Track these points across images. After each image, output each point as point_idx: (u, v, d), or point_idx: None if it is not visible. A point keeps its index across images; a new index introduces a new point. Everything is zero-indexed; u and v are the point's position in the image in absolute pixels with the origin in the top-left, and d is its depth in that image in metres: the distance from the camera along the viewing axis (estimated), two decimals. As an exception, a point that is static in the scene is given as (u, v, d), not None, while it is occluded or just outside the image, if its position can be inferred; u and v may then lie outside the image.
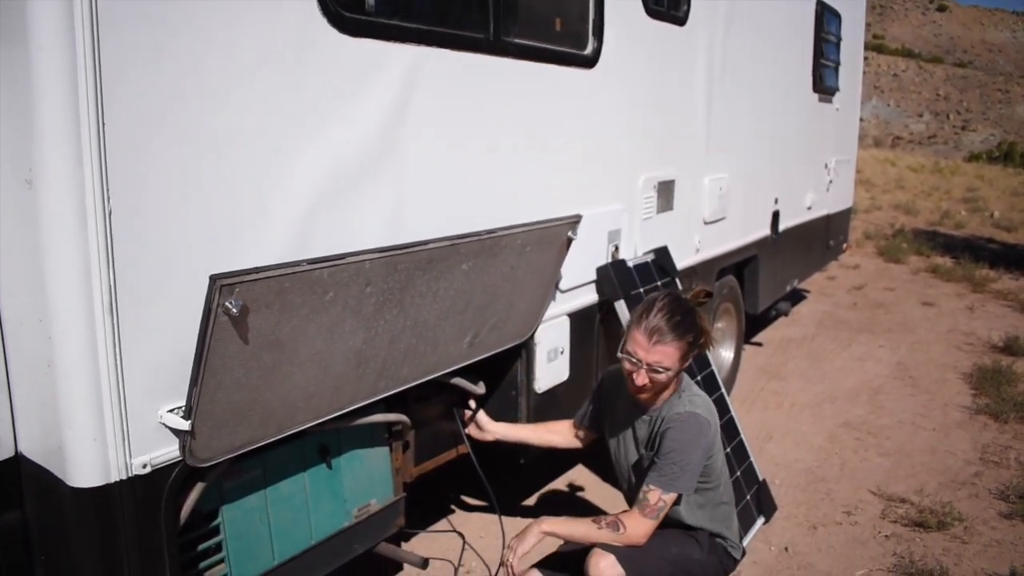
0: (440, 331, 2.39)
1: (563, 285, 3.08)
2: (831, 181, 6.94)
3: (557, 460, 4.19)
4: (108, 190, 1.60)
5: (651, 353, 2.32)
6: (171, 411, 1.80)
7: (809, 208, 6.43)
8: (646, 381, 2.35)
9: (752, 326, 6.54)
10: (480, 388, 2.91)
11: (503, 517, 3.08)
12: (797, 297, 8.30)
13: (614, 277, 3.32)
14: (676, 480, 2.35)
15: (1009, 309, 8.29)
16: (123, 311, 1.66)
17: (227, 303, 1.66)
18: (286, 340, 1.87)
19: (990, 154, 44.74)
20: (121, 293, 1.65)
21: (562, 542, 2.59)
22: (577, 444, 2.87)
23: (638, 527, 2.34)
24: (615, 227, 3.42)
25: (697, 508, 2.53)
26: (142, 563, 1.79)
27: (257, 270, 1.72)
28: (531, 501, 3.87)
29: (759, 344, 6.68)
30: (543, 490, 4.00)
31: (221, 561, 2.16)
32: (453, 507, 3.83)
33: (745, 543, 3.09)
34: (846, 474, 4.24)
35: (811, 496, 3.98)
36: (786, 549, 3.47)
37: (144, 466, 1.77)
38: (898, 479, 4.18)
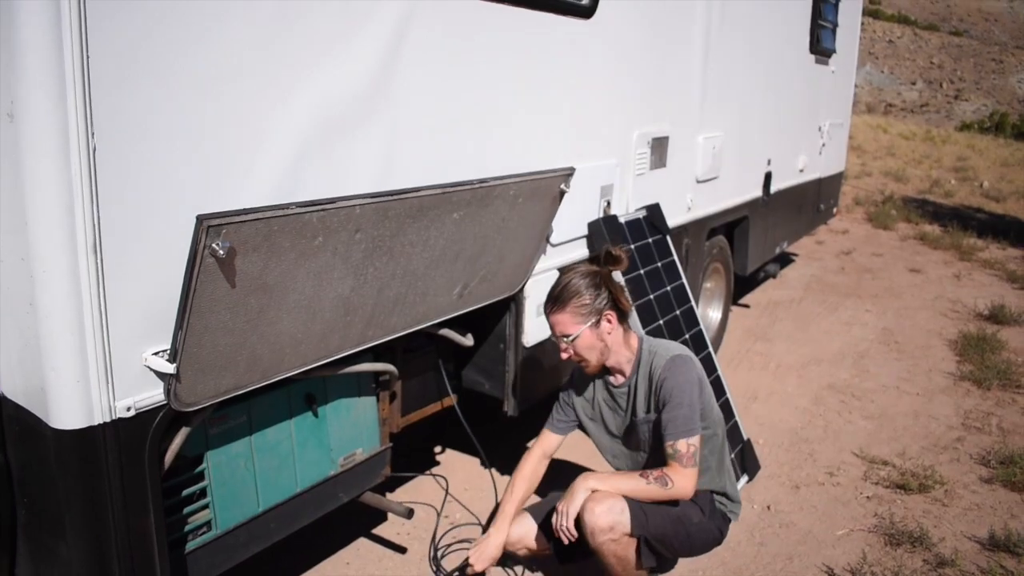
0: (430, 281, 2.36)
1: (554, 239, 3.05)
2: (824, 144, 6.90)
3: (542, 412, 4.21)
4: (92, 125, 1.55)
5: (555, 326, 2.46)
6: (156, 354, 1.77)
7: (801, 171, 6.40)
8: (570, 353, 2.46)
9: (740, 288, 6.55)
10: (468, 340, 2.89)
11: (491, 469, 3.10)
12: (785, 260, 8.32)
13: (605, 232, 3.30)
14: (692, 422, 2.40)
15: (995, 278, 8.32)
16: (107, 251, 1.62)
17: (214, 245, 1.63)
18: (274, 284, 1.84)
19: (981, 124, 44.70)
20: (105, 232, 1.61)
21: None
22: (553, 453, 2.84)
23: (684, 480, 2.38)
24: (608, 182, 3.39)
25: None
26: (126, 507, 1.78)
27: (245, 212, 1.68)
28: (517, 452, 3.88)
29: (746, 306, 6.70)
30: (529, 442, 4.01)
31: (206, 507, 2.16)
32: (439, 459, 3.84)
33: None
34: (829, 435, 4.28)
35: (794, 456, 4.01)
36: (768, 507, 3.50)
37: (128, 409, 1.74)
38: (881, 442, 4.22)
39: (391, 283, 2.21)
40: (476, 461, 3.80)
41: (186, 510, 2.10)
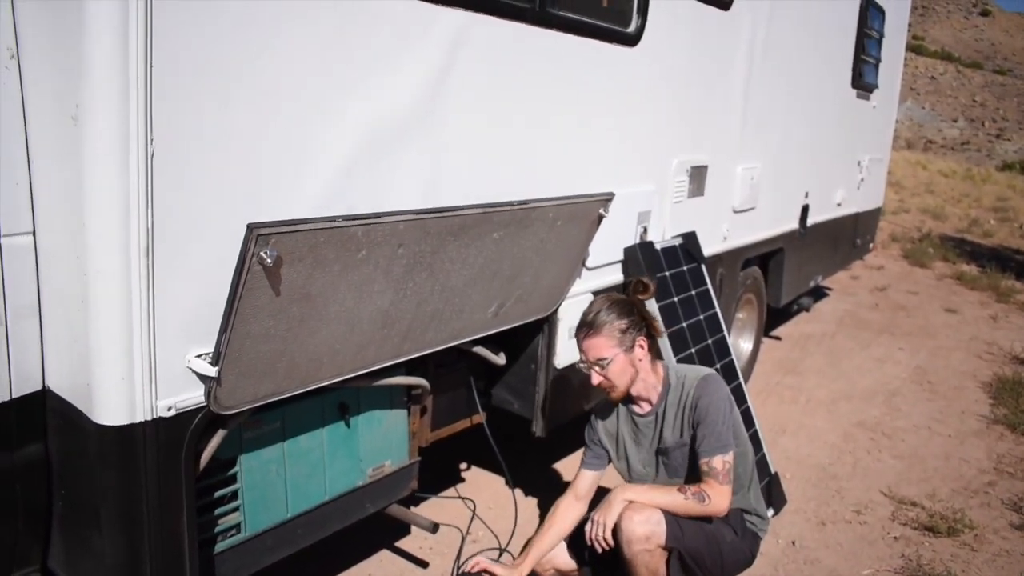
0: (467, 298, 2.39)
1: (590, 263, 3.07)
2: (863, 179, 6.86)
3: (570, 433, 4.21)
4: (152, 131, 1.60)
5: (588, 350, 2.45)
6: (199, 356, 1.81)
7: (839, 204, 6.36)
8: (600, 379, 2.46)
9: (772, 320, 6.50)
10: (501, 359, 2.92)
11: (515, 489, 3.10)
12: (819, 294, 8.24)
13: (641, 258, 3.31)
14: (726, 438, 2.43)
15: (1033, 322, 8.19)
16: (159, 254, 1.67)
17: (262, 253, 1.67)
18: (316, 294, 1.88)
19: (1023, 164, 44.07)
20: (158, 235, 1.66)
21: None
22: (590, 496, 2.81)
23: (720, 497, 2.40)
24: (646, 208, 3.40)
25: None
26: (160, 504, 1.82)
27: (294, 222, 1.73)
28: (543, 473, 3.89)
29: (778, 338, 6.65)
30: (555, 464, 4.02)
31: (236, 509, 2.19)
32: (464, 476, 3.85)
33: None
34: (858, 473, 4.23)
35: (821, 492, 3.97)
36: (793, 543, 3.46)
37: (169, 409, 1.78)
38: (910, 482, 4.16)
39: (429, 298, 2.24)
40: (501, 480, 3.80)
41: (217, 511, 2.13)
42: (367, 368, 2.23)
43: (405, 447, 2.72)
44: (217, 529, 2.14)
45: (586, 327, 2.45)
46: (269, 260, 1.68)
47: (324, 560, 3.05)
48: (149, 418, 1.75)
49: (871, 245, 7.93)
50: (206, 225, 1.75)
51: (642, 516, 2.37)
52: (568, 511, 2.69)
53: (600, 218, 2.77)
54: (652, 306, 3.28)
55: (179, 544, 1.89)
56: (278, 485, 2.29)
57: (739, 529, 2.58)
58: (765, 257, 5.22)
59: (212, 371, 1.77)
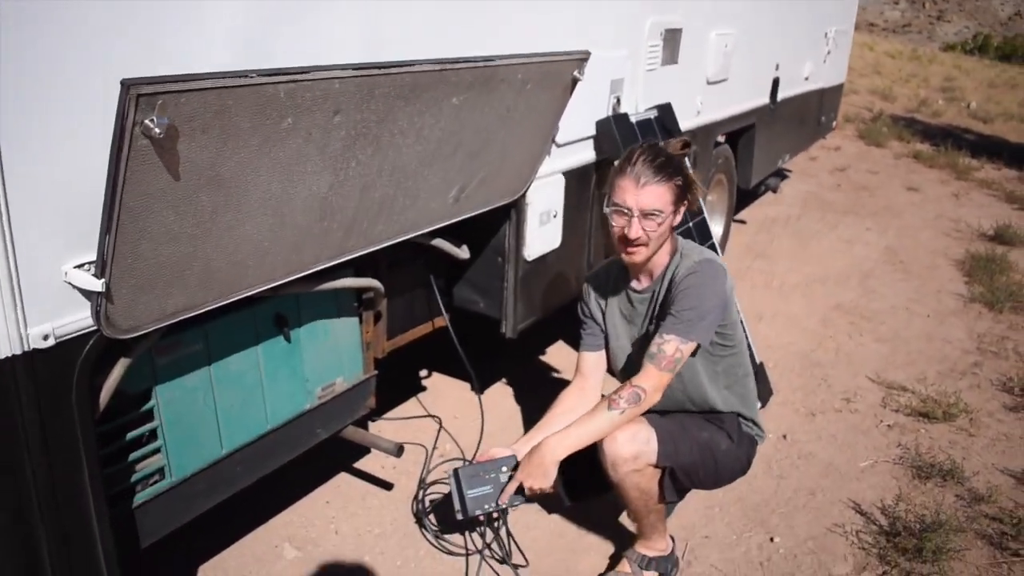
0: (422, 180, 1.97)
1: (560, 138, 2.65)
2: (829, 52, 6.46)
3: (543, 338, 3.90)
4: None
5: (641, 196, 2.02)
6: (79, 267, 1.38)
7: (807, 79, 5.98)
8: (640, 233, 2.04)
9: (736, 202, 6.20)
10: (464, 252, 2.51)
11: (482, 396, 2.79)
12: (780, 176, 7.95)
13: (616, 132, 2.90)
14: (694, 327, 2.05)
15: (994, 198, 8.05)
16: (4, 130, 1.21)
17: (147, 121, 1.22)
18: (230, 178, 1.44)
19: (964, 46, 44.07)
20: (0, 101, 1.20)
21: None
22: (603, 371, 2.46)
23: (655, 387, 2.06)
24: (618, 76, 2.98)
25: (722, 383, 2.27)
26: (49, 457, 1.41)
27: (188, 78, 1.27)
28: (513, 378, 3.57)
29: (743, 222, 6.36)
30: (526, 366, 3.70)
31: (157, 452, 1.80)
32: (425, 385, 3.51)
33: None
34: (841, 359, 4.00)
35: (807, 381, 3.74)
36: (784, 436, 3.23)
37: (45, 338, 1.36)
38: (896, 366, 3.95)
39: (377, 181, 1.81)
40: (465, 387, 3.48)
41: (132, 456, 1.74)
42: (305, 270, 1.82)
43: (359, 360, 2.34)
44: (135, 478, 1.76)
45: (643, 175, 2.02)
46: (158, 131, 1.23)
47: (273, 489, 2.70)
48: (18, 351, 1.33)
49: (834, 123, 7.61)
50: (69, 85, 1.29)
51: (626, 434, 2.06)
52: (578, 402, 2.33)
53: (574, 82, 2.33)
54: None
55: (81, 503, 1.50)
56: (207, 418, 1.89)
57: (735, 435, 2.30)
58: (735, 135, 4.85)
59: (97, 284, 1.35)
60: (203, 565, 2.42)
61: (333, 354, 2.24)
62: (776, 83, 5.15)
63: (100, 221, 1.31)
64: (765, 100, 5.04)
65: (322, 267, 1.88)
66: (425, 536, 2.56)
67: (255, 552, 2.49)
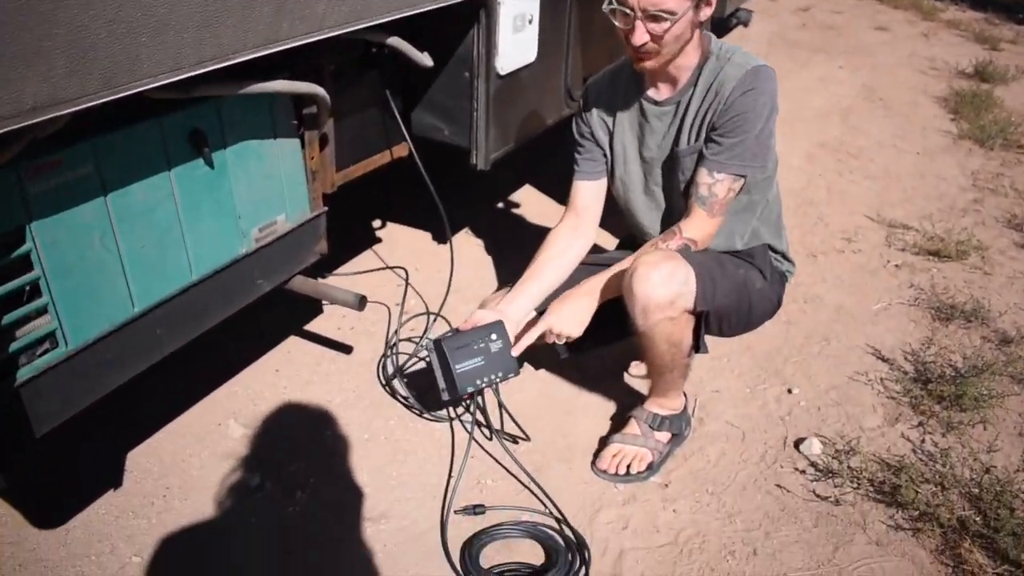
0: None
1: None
2: None
3: (519, 170, 3.48)
4: None
5: None
6: None
7: None
8: (645, 38, 1.63)
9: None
10: (427, 59, 2.00)
11: (450, 243, 2.37)
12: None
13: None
14: (749, 161, 1.73)
15: (963, 39, 7.66)
16: None
17: None
18: None
19: None
20: None
21: None
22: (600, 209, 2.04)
23: (707, 231, 1.81)
24: None
25: (757, 211, 1.94)
26: None
27: None
28: (476, 226, 3.14)
29: (711, 59, 5.88)
30: (489, 210, 3.29)
31: (44, 311, 1.34)
32: (380, 236, 3.08)
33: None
34: (835, 197, 3.67)
35: (803, 220, 3.40)
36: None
37: None
38: (892, 204, 3.63)
39: (319, -73, 1.30)
40: (426, 236, 3.06)
41: (7, 319, 1.28)
42: (223, 60, 1.31)
43: (303, 194, 1.86)
44: (15, 346, 1.30)
45: None
46: None
47: (211, 358, 2.28)
48: None
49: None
50: None
51: (662, 272, 1.68)
52: (571, 242, 1.95)
53: None
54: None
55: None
56: (110, 266, 1.42)
57: (767, 271, 1.97)
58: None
59: None
60: (132, 451, 2.01)
61: (271, 185, 1.76)
62: None
63: None
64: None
65: (245, 58, 1.37)
66: (399, 402, 2.19)
67: (195, 431, 2.09)
